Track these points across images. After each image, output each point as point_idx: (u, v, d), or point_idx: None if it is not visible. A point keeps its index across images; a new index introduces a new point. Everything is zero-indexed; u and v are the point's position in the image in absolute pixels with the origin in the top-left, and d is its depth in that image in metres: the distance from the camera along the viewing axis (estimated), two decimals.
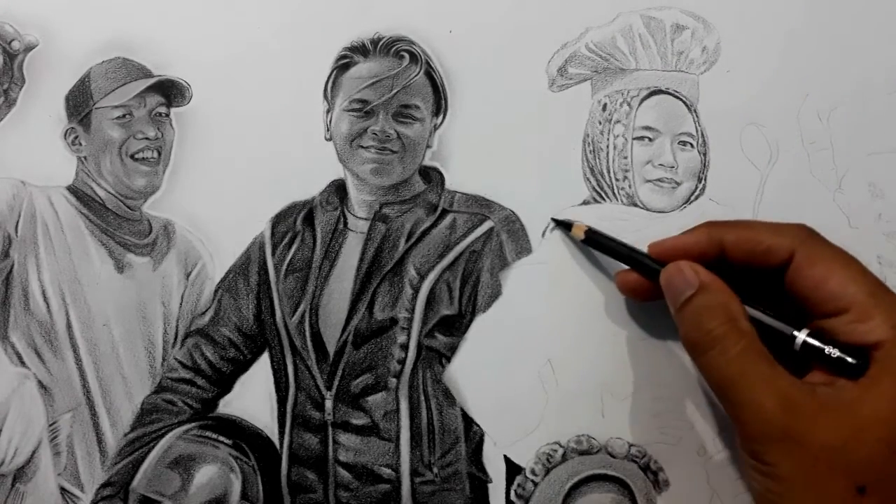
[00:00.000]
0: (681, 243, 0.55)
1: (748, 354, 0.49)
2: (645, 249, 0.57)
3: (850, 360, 0.49)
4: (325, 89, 0.64)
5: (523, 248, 0.62)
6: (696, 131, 0.63)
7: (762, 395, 0.48)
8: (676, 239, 0.55)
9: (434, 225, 0.63)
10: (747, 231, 0.53)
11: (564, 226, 0.61)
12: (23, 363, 0.62)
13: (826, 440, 0.47)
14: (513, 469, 0.60)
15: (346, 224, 0.64)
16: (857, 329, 0.49)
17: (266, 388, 0.62)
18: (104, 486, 0.61)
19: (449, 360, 0.61)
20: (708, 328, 0.50)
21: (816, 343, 0.50)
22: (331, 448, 0.61)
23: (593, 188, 0.63)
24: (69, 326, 0.62)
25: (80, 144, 0.64)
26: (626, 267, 0.58)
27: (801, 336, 0.51)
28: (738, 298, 0.51)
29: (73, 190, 0.65)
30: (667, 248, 0.55)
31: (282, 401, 0.62)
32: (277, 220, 0.64)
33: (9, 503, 0.61)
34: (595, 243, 0.59)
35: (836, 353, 0.49)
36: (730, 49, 0.63)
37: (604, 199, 0.63)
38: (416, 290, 0.62)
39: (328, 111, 0.64)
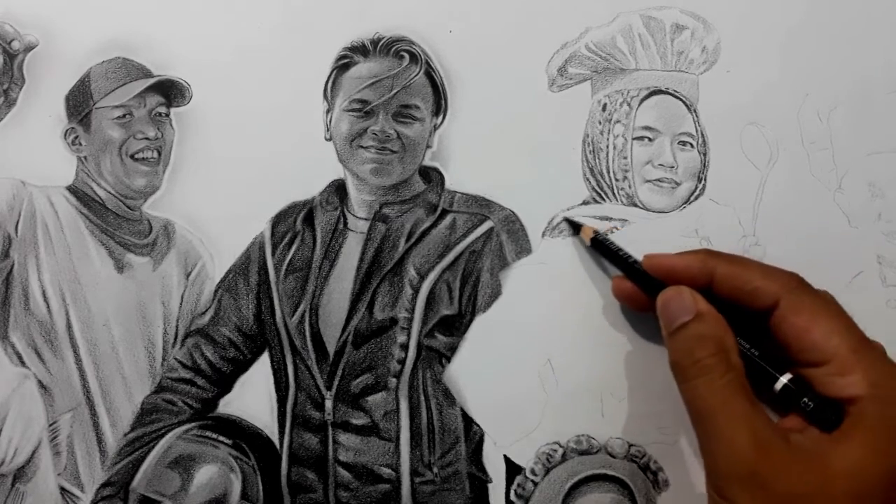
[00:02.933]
0: (672, 263, 0.55)
1: (732, 388, 0.49)
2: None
3: (825, 413, 0.49)
4: (325, 89, 0.64)
5: (523, 248, 0.62)
6: (696, 131, 0.63)
7: (737, 432, 0.48)
8: (670, 258, 0.56)
9: (434, 225, 0.63)
10: (738, 268, 0.54)
11: (573, 226, 0.61)
12: (23, 363, 0.62)
13: (792, 488, 0.47)
14: (513, 469, 0.60)
15: (346, 224, 0.64)
16: (836, 382, 0.50)
17: (266, 388, 0.62)
18: (104, 485, 0.61)
19: (449, 360, 0.61)
20: (698, 356, 0.50)
21: (795, 391, 0.51)
22: (331, 448, 0.61)
23: (593, 188, 0.63)
24: (69, 326, 0.62)
25: (80, 144, 0.65)
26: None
27: (783, 380, 0.51)
28: (733, 333, 0.52)
29: (73, 190, 0.65)
30: (659, 264, 0.56)
31: (282, 401, 0.62)
32: (277, 220, 0.64)
33: (9, 503, 0.61)
34: (600, 248, 0.59)
35: (811, 405, 0.50)
36: (730, 49, 0.63)
37: (603, 199, 0.63)
38: (416, 290, 0.62)
39: (328, 111, 0.64)
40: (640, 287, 0.57)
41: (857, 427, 0.48)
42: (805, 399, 0.50)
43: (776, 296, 0.52)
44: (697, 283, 0.54)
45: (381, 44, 0.64)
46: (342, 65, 0.64)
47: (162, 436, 0.62)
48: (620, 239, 0.61)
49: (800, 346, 0.51)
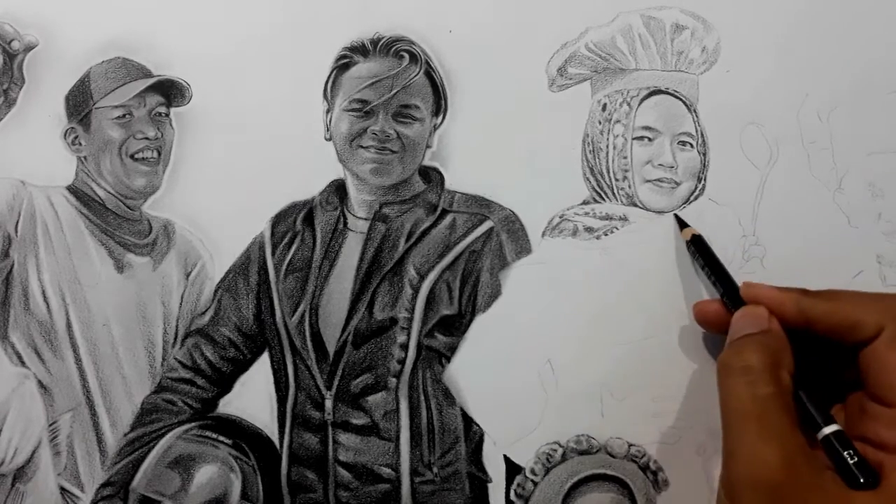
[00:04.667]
0: (771, 296, 0.53)
1: (775, 401, 0.48)
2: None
3: (858, 473, 0.48)
4: (325, 89, 0.64)
5: (523, 248, 0.62)
6: (696, 131, 0.63)
7: (768, 444, 0.47)
8: (770, 290, 0.53)
9: (434, 225, 0.63)
10: (835, 304, 0.51)
11: (680, 223, 0.60)
12: (23, 363, 0.62)
13: None
14: (512, 469, 0.60)
15: (345, 224, 0.64)
16: None
17: (266, 388, 0.62)
18: (104, 485, 0.61)
19: (449, 360, 0.61)
20: (747, 357, 0.50)
21: (836, 445, 0.49)
22: (331, 448, 0.61)
23: (593, 188, 0.63)
24: (69, 326, 0.62)
25: (80, 144, 0.65)
26: (706, 297, 0.58)
27: (826, 431, 0.49)
28: (793, 362, 0.50)
29: (73, 190, 0.65)
30: (755, 293, 0.54)
31: (282, 401, 0.62)
32: (277, 220, 0.64)
33: (9, 503, 0.61)
34: (699, 248, 0.58)
35: (852, 459, 0.48)
36: (730, 49, 0.63)
37: (603, 199, 0.63)
38: (416, 290, 0.62)
39: (328, 111, 0.64)
40: (724, 297, 0.56)
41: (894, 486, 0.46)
42: (850, 451, 0.48)
43: (879, 326, 0.50)
44: (790, 321, 0.52)
45: (381, 44, 0.64)
46: (342, 65, 0.64)
47: (162, 436, 0.62)
48: (620, 239, 0.61)
49: (879, 380, 0.49)
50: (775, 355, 0.50)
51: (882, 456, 0.48)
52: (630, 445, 0.59)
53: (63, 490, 0.61)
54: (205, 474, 0.61)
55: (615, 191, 0.62)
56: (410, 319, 0.61)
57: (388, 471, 0.61)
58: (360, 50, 0.64)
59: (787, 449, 0.47)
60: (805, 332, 0.52)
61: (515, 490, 0.60)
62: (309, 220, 0.64)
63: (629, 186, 0.62)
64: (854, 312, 0.51)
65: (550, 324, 0.61)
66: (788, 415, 0.48)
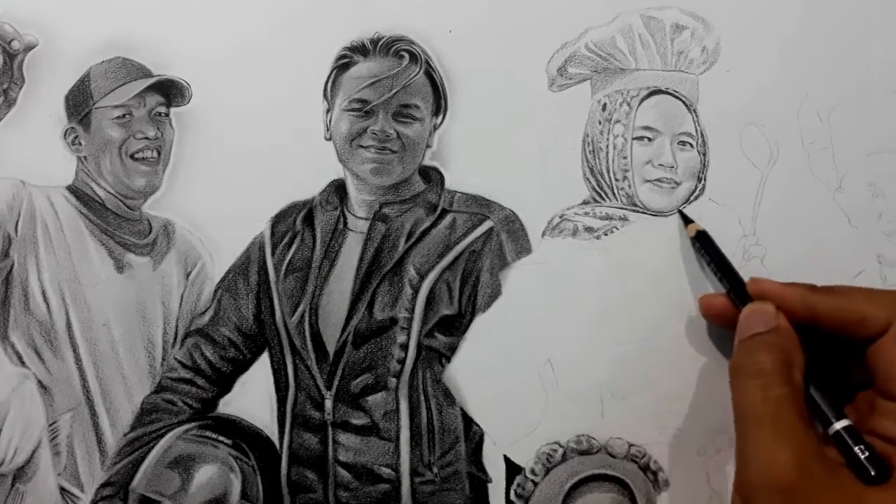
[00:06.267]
0: (777, 292, 0.53)
1: (787, 402, 0.48)
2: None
3: (870, 466, 0.48)
4: (325, 89, 0.64)
5: (523, 248, 0.62)
6: (696, 131, 0.62)
7: (781, 446, 0.47)
8: (775, 285, 0.54)
9: (434, 225, 0.63)
10: (842, 300, 0.51)
11: (685, 219, 0.60)
12: (23, 363, 0.62)
13: None
14: (513, 469, 0.60)
15: (345, 224, 0.64)
16: None
17: (266, 388, 0.62)
18: (104, 485, 0.61)
19: (449, 360, 0.61)
20: (759, 359, 0.50)
21: (847, 440, 0.49)
22: (331, 448, 0.61)
23: (593, 188, 0.63)
24: (69, 326, 0.62)
25: (80, 144, 0.65)
26: (712, 291, 0.58)
27: (837, 426, 0.50)
28: (804, 358, 0.50)
29: (72, 190, 0.65)
30: (761, 289, 0.54)
31: (282, 401, 0.62)
32: (277, 220, 0.64)
33: (9, 503, 0.61)
34: (704, 244, 0.58)
35: (864, 454, 0.48)
36: (730, 49, 0.63)
37: (603, 198, 0.63)
38: (416, 290, 0.62)
39: (328, 111, 0.64)
40: (730, 293, 0.56)
41: None
42: (861, 446, 0.48)
43: (886, 321, 0.50)
44: (796, 316, 0.52)
45: (380, 43, 0.64)
46: (342, 64, 0.64)
47: (162, 436, 0.62)
48: (620, 239, 0.61)
49: (887, 375, 0.49)
50: (786, 354, 0.50)
51: (892, 451, 0.48)
52: (630, 445, 0.59)
53: (63, 490, 0.61)
54: (205, 474, 0.61)
55: (615, 191, 0.62)
56: (410, 319, 0.61)
57: (388, 471, 0.61)
58: (360, 50, 0.64)
59: (800, 450, 0.47)
60: (812, 327, 0.52)
61: (515, 490, 0.60)
62: (309, 220, 0.64)
63: (629, 186, 0.62)
64: (861, 308, 0.51)
65: (550, 324, 0.61)
66: (801, 416, 0.48)
